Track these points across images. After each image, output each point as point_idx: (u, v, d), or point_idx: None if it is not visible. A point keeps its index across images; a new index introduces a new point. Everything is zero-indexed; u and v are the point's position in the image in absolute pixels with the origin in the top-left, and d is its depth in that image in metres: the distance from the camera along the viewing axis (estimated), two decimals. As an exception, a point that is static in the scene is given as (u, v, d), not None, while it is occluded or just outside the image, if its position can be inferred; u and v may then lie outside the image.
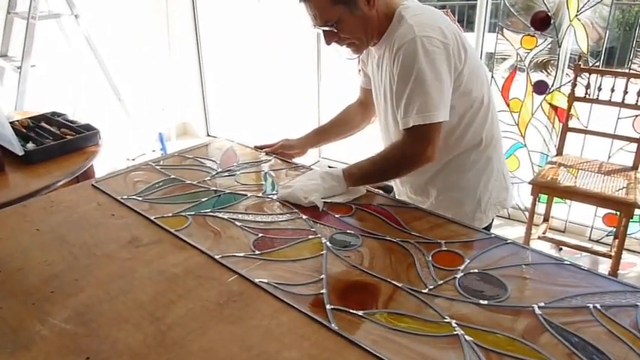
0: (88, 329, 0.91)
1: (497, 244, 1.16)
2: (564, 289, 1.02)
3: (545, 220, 2.86)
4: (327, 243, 1.16)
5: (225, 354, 0.85)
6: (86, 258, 1.12)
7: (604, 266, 2.65)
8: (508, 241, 1.17)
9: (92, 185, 1.46)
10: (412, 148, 1.31)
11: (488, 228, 1.52)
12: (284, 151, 1.67)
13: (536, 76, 2.85)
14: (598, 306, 0.96)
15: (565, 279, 1.05)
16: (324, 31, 1.31)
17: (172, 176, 1.51)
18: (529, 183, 2.50)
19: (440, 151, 1.34)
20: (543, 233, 2.79)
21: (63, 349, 0.87)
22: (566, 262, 1.10)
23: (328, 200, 1.35)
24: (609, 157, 2.76)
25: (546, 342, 0.88)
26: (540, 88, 2.85)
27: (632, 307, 0.96)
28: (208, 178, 1.50)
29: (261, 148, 1.71)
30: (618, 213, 2.71)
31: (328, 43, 1.34)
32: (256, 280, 1.03)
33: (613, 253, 2.50)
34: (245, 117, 4.28)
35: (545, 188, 2.47)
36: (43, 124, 2.18)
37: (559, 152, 2.69)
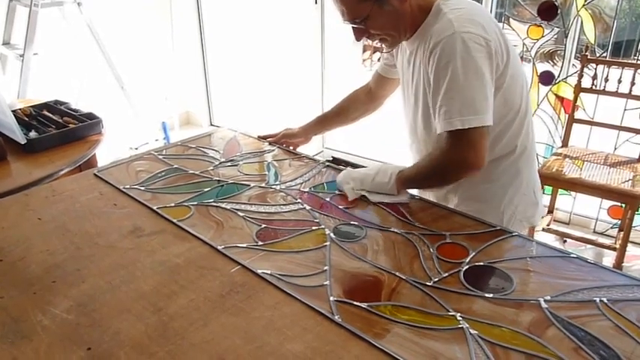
0: (90, 319, 0.91)
1: (503, 237, 1.15)
2: (570, 282, 1.00)
3: (550, 212, 2.84)
4: (331, 234, 1.15)
5: (227, 345, 0.85)
6: (88, 248, 1.12)
7: (608, 259, 2.64)
8: (514, 234, 1.16)
9: (94, 174, 1.45)
10: (455, 155, 1.20)
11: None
12: (287, 141, 1.66)
13: (543, 66, 2.82)
14: (605, 300, 0.95)
15: (571, 272, 1.04)
16: (353, 27, 1.24)
17: (175, 166, 1.50)
18: (534, 174, 2.48)
19: None
20: (548, 225, 2.77)
21: (64, 339, 0.87)
22: (572, 255, 1.09)
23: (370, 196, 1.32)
24: (615, 148, 2.74)
25: (552, 336, 0.87)
26: (546, 78, 2.82)
27: (639, 301, 0.95)
28: (211, 168, 1.49)
29: (264, 138, 1.70)
30: (623, 205, 2.70)
31: (358, 39, 1.27)
32: (259, 272, 1.02)
33: (618, 246, 2.48)
34: (248, 106, 4.27)
35: (551, 180, 2.45)
36: (46, 112, 2.16)
37: (564, 144, 2.67)
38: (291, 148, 1.66)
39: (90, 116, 2.09)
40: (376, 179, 1.32)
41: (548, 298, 0.96)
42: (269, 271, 1.02)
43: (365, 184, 1.33)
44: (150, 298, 0.96)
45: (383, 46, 1.33)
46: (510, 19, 2.80)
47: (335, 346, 0.84)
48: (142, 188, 1.36)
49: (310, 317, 0.91)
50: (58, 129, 1.98)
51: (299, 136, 1.67)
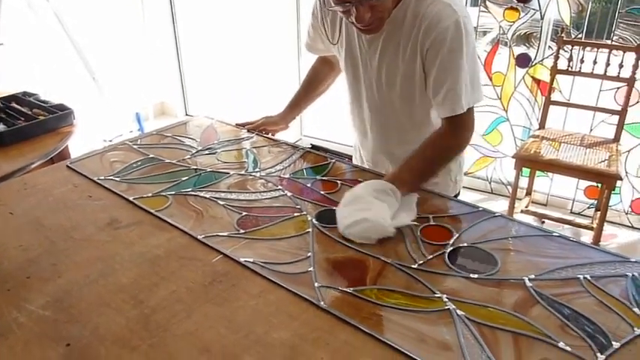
0: (68, 315, 0.88)
1: (485, 217, 1.16)
2: (554, 260, 1.01)
3: (528, 193, 2.88)
4: (313, 220, 1.14)
5: (211, 336, 0.83)
6: (63, 242, 1.09)
7: (585, 238, 2.68)
8: (496, 214, 1.16)
9: (67, 166, 1.41)
10: (464, 134, 1.26)
11: (458, 195, 1.50)
12: (267, 128, 1.64)
13: (519, 49, 2.84)
14: (588, 277, 0.96)
15: (554, 250, 1.05)
16: (361, 6, 1.15)
17: (151, 155, 1.47)
18: (512, 157, 2.50)
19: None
20: (526, 207, 2.80)
21: (42, 336, 0.84)
22: (554, 234, 1.10)
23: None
24: (591, 129, 2.78)
25: (538, 314, 0.87)
26: (523, 61, 2.84)
27: (622, 276, 0.96)
28: (188, 156, 1.46)
29: (242, 125, 1.67)
30: (599, 185, 2.74)
31: (361, 19, 1.18)
32: (242, 260, 1.00)
33: (595, 225, 2.53)
34: (224, 95, 4.21)
35: (528, 162, 2.47)
36: (14, 104, 2.10)
37: (541, 126, 2.70)
38: (270, 134, 1.64)
39: (60, 107, 2.04)
40: (387, 204, 1.13)
41: (533, 276, 0.96)
42: (252, 260, 1.00)
43: (388, 214, 1.12)
44: (130, 291, 0.94)
45: (371, 28, 1.23)
46: (487, 2, 2.81)
47: (322, 332, 0.84)
48: (118, 179, 1.33)
49: (296, 304, 0.90)
50: (28, 121, 1.92)
51: (279, 124, 1.65)
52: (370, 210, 1.09)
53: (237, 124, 1.68)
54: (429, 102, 1.31)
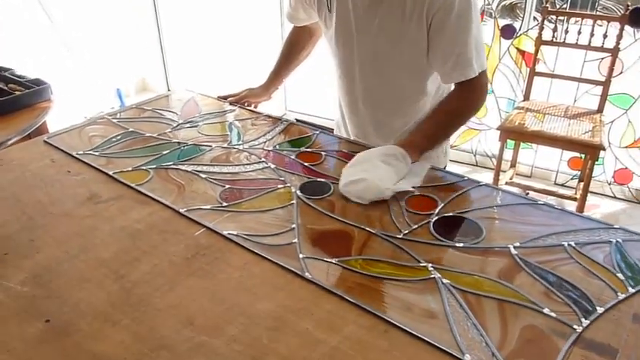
0: (47, 291, 0.87)
1: (471, 187, 1.15)
2: (539, 228, 1.01)
3: (513, 165, 2.89)
4: (297, 192, 1.13)
5: (195, 309, 0.82)
6: (42, 217, 1.06)
7: (569, 209, 2.69)
8: (481, 184, 1.16)
9: (44, 141, 1.38)
10: (477, 98, 1.27)
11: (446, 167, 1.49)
12: (249, 100, 1.61)
13: (504, 20, 2.82)
14: (572, 244, 0.96)
15: (539, 219, 1.05)
16: None
17: (131, 129, 1.43)
18: (497, 129, 2.50)
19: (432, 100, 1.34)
20: (510, 179, 2.82)
21: (21, 312, 0.82)
22: (539, 202, 1.10)
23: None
24: (575, 100, 2.78)
25: (523, 281, 0.87)
26: (508, 32, 2.82)
27: (606, 243, 0.97)
28: (169, 130, 1.43)
29: (224, 98, 1.64)
30: (583, 156, 2.76)
31: None
32: (225, 233, 0.99)
33: (578, 196, 2.55)
34: (207, 69, 4.15)
35: (513, 133, 2.48)
36: (-11, 80, 2.05)
37: (526, 97, 2.70)
38: (253, 106, 1.61)
39: (37, 82, 1.99)
40: (395, 169, 1.13)
41: (518, 244, 0.96)
42: (235, 232, 0.99)
43: (394, 178, 1.12)
44: (111, 266, 0.92)
45: None
46: (470, -28, 2.77)
47: (307, 303, 0.83)
48: (97, 153, 1.30)
49: (280, 276, 0.89)
50: (3, 97, 1.87)
51: (262, 95, 1.62)
52: (373, 172, 1.10)
53: (219, 97, 1.65)
54: (430, 70, 1.29)
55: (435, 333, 0.76)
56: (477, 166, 3.15)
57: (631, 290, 0.85)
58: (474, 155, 3.15)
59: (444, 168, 1.40)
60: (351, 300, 0.82)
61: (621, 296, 0.84)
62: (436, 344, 0.74)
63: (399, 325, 0.77)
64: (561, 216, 1.05)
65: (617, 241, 0.97)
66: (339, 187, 1.12)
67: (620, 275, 0.89)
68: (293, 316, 0.80)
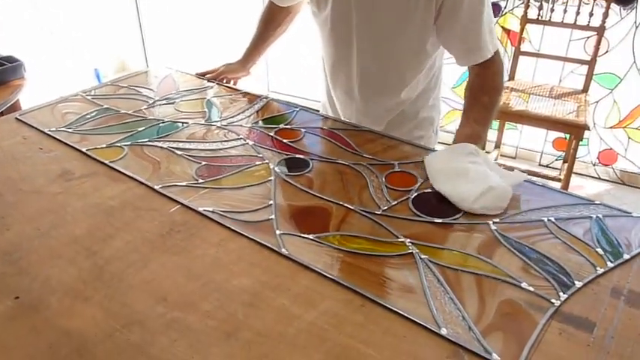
0: (17, 268, 0.85)
1: (452, 164, 1.15)
2: (520, 204, 1.02)
3: (497, 146, 2.90)
4: (275, 168, 1.12)
5: (169, 285, 0.81)
6: (12, 194, 1.04)
7: (553, 190, 2.73)
8: (462, 160, 1.16)
9: (16, 119, 1.35)
10: (499, 74, 1.28)
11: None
12: (227, 76, 1.59)
13: (489, -2, 2.81)
14: (553, 219, 0.97)
15: (520, 194, 1.05)
16: None
17: (105, 106, 1.41)
18: (482, 109, 2.50)
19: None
20: (495, 160, 2.83)
21: (-11, 289, 0.81)
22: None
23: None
24: (560, 80, 2.79)
25: (502, 256, 0.88)
26: (493, 10, 2.80)
27: (586, 218, 0.97)
28: (145, 107, 1.41)
29: (202, 75, 1.62)
30: (567, 137, 2.78)
31: None
32: (201, 209, 0.98)
33: (562, 177, 2.57)
34: (187, 49, 4.09)
35: (497, 113, 2.48)
36: (-42, 56, 2.00)
37: (511, 77, 2.70)
38: (232, 83, 1.60)
39: (9, 59, 1.95)
40: (486, 167, 1.08)
41: (497, 220, 0.97)
42: (211, 209, 0.98)
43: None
44: (83, 243, 0.91)
45: None
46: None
47: (284, 279, 0.83)
48: (70, 130, 1.28)
49: (257, 252, 0.89)
50: (-26, 73, 1.83)
51: (240, 71, 1.61)
52: (482, 177, 1.02)
53: (197, 74, 1.63)
54: (435, 54, 1.30)
55: (411, 307, 0.77)
56: (462, 147, 3.16)
57: (610, 265, 0.86)
58: (459, 136, 3.15)
59: (434, 148, 1.40)
60: (328, 275, 0.82)
61: (600, 271, 0.85)
62: (412, 318, 0.74)
63: (375, 299, 0.78)
64: (542, 192, 1.06)
65: (597, 217, 0.98)
66: (465, 208, 0.99)
67: (599, 250, 0.89)
68: (269, 292, 0.80)
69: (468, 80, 1.29)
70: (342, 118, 1.45)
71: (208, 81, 1.59)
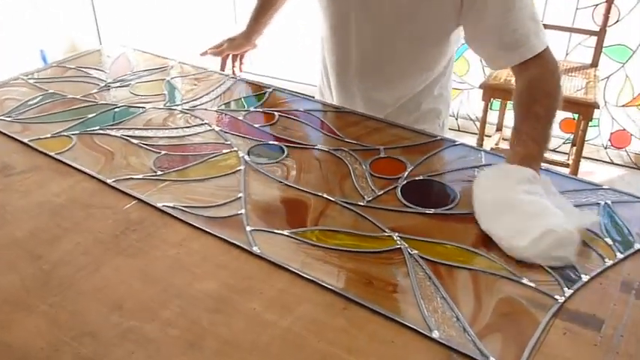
0: (-52, 276, 0.84)
1: (444, 147, 1.16)
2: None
3: (499, 129, 2.92)
4: (245, 157, 1.12)
5: (124, 291, 0.81)
6: (-59, 193, 1.03)
7: (561, 176, 2.76)
8: (456, 143, 1.17)
9: (-54, 107, 1.33)
10: (556, 71, 1.13)
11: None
12: (233, 52, 1.59)
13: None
14: (556, 207, 0.97)
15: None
16: None
17: (51, 91, 1.40)
18: (479, 87, 2.52)
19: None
20: (496, 144, 2.85)
21: None
22: (521, 163, 1.11)
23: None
24: (567, 54, 2.82)
25: (500, 250, 0.88)
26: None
27: (594, 205, 0.99)
28: (96, 90, 1.41)
29: (204, 54, 1.61)
30: (576, 117, 2.80)
31: None
32: (159, 205, 0.97)
33: (571, 162, 2.60)
34: (147, 28, 4.06)
35: (498, 91, 2.50)
36: None
37: (512, 51, 2.71)
38: (239, 61, 1.61)
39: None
40: (539, 195, 0.97)
41: (496, 209, 0.97)
42: (172, 204, 0.98)
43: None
44: (25, 246, 0.90)
45: None
46: None
47: (255, 281, 0.82)
48: (9, 119, 1.27)
49: (224, 252, 0.88)
50: None
51: (243, 45, 1.60)
52: (545, 214, 0.92)
53: (200, 54, 1.61)
54: (450, 45, 1.27)
55: (399, 308, 0.77)
56: (459, 130, 3.18)
57: (620, 256, 0.87)
58: (456, 119, 3.18)
59: (424, 130, 1.40)
60: (306, 276, 0.82)
61: (609, 262, 0.86)
62: (400, 321, 0.75)
63: (359, 301, 0.78)
64: (544, 177, 1.07)
65: (605, 203, 0.99)
66: (512, 253, 0.89)
67: (608, 240, 0.90)
68: (238, 297, 0.80)
69: (516, 87, 1.16)
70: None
71: (214, 55, 1.59)
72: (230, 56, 1.61)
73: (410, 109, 1.38)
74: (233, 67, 1.61)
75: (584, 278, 0.83)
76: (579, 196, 1.01)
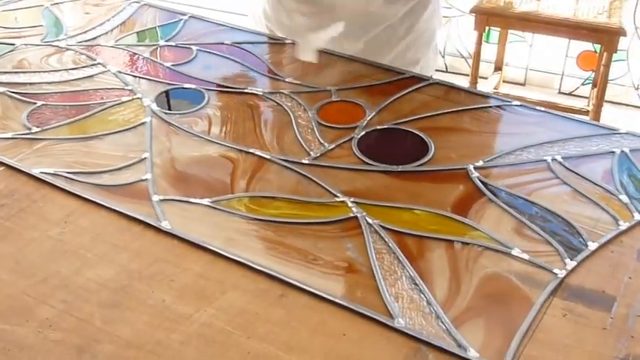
0: None
1: (415, 86, 1.18)
2: (512, 139, 1.05)
3: (498, 68, 2.94)
4: (152, 105, 1.12)
5: (-11, 285, 0.81)
6: None
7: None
8: (430, 81, 1.19)
9: None
10: None
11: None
12: None
13: None
14: (559, 158, 1.00)
15: (513, 126, 1.08)
16: None
17: None
18: (470, 12, 2.53)
19: None
20: (495, 88, 2.88)
21: None
22: (514, 104, 1.13)
23: None
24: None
25: (486, 215, 0.91)
26: None
27: (607, 154, 1.01)
28: (-52, 22, 1.39)
29: None
30: (597, 49, 2.84)
31: None
32: (36, 172, 0.97)
33: (591, 108, 2.64)
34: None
35: (495, 17, 2.52)
36: None
37: (513, -37, 2.74)
38: None
39: None
40: None
41: (480, 163, 0.99)
42: (52, 170, 0.98)
43: None
44: None
45: None
46: None
47: (165, 264, 0.83)
48: None
49: (124, 229, 0.89)
50: None
51: None
52: None
53: None
54: None
55: (353, 293, 0.79)
56: (447, 72, 3.21)
57: (638, 218, 0.90)
58: (443, 56, 3.20)
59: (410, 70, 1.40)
60: (231, 256, 0.83)
61: (624, 226, 0.89)
62: (354, 308, 0.76)
63: (301, 286, 0.79)
64: (544, 120, 1.10)
65: (622, 151, 1.02)
66: None
67: (623, 197, 0.93)
68: (142, 286, 0.80)
69: None
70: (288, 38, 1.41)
71: None
72: None
73: (399, 33, 1.40)
74: None
75: (592, 246, 0.85)
76: (589, 143, 1.04)
